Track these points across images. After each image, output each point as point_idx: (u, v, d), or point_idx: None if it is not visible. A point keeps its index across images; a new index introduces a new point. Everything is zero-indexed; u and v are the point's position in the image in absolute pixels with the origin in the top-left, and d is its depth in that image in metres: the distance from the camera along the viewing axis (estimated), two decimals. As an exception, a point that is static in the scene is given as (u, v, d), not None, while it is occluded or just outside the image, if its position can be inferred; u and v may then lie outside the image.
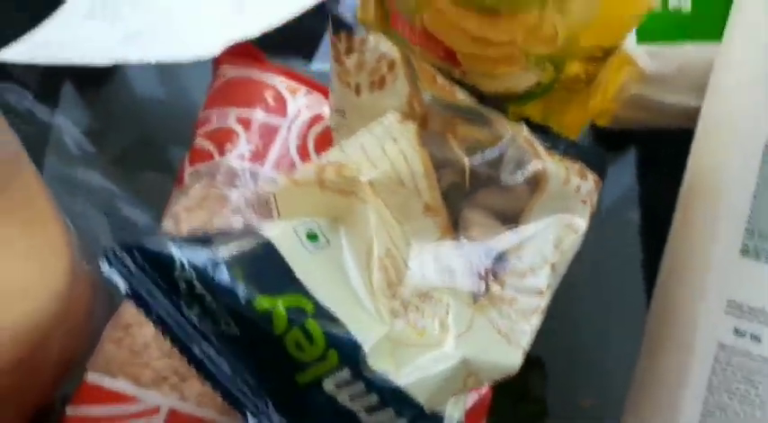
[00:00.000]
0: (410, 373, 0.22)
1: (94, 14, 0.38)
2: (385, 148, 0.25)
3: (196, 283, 0.22)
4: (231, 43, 0.32)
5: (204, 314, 0.22)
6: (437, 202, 0.26)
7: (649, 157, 0.40)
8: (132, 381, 0.28)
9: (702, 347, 0.30)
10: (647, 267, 0.39)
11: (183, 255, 0.22)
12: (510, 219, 0.28)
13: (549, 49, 0.27)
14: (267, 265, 0.23)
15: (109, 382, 0.28)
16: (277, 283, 0.23)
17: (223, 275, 0.22)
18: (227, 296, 0.22)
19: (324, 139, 0.33)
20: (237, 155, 0.32)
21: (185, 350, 0.22)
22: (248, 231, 0.24)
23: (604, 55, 0.29)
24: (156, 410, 0.28)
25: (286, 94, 0.34)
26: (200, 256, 0.23)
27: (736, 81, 0.32)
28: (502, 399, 0.31)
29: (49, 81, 0.40)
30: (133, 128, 0.41)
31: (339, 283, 0.24)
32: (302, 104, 0.33)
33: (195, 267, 0.22)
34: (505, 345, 0.25)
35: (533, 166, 0.27)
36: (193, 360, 0.22)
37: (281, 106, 0.33)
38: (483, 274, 0.27)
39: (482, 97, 0.30)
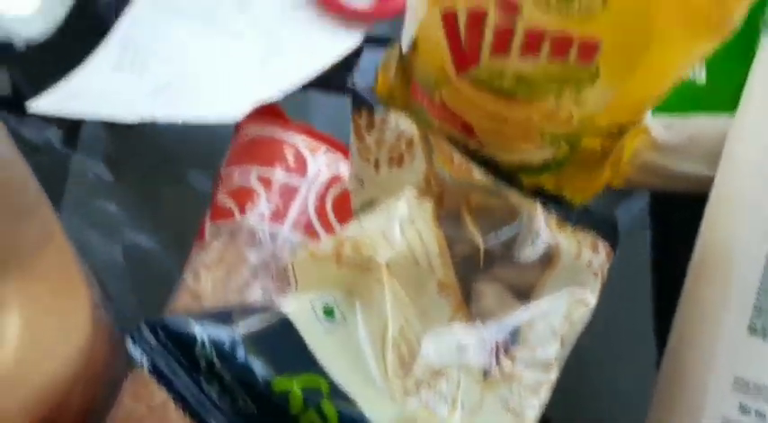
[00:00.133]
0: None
1: (123, 66, 0.39)
2: (402, 228, 0.25)
3: (216, 361, 0.23)
4: (254, 105, 0.33)
5: (223, 391, 0.23)
6: (451, 280, 0.27)
7: (662, 219, 0.41)
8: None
9: (709, 420, 0.30)
10: (660, 322, 0.39)
11: (204, 333, 0.23)
12: (522, 292, 0.29)
13: (565, 130, 0.28)
14: (284, 343, 0.24)
15: (128, 438, 0.29)
16: (294, 361, 0.24)
17: (242, 355, 0.23)
18: (246, 376, 0.23)
19: (342, 200, 0.33)
20: (258, 215, 0.33)
21: (204, 425, 0.23)
22: (267, 306, 0.25)
23: (620, 132, 0.30)
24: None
25: (306, 154, 0.34)
26: (220, 334, 0.23)
27: (748, 155, 0.32)
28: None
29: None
30: (153, 154, 0.41)
31: (354, 361, 0.24)
32: (322, 163, 0.34)
33: (216, 346, 0.23)
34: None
35: (546, 243, 0.28)
36: (212, 434, 0.23)
37: (301, 166, 0.34)
38: (494, 349, 0.27)
39: (497, 167, 0.30)
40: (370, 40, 0.42)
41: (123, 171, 0.42)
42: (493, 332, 0.27)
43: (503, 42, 0.24)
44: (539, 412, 0.27)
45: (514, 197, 0.28)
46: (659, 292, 0.39)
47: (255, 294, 0.30)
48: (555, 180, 0.32)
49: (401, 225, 0.26)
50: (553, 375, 0.28)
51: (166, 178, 0.41)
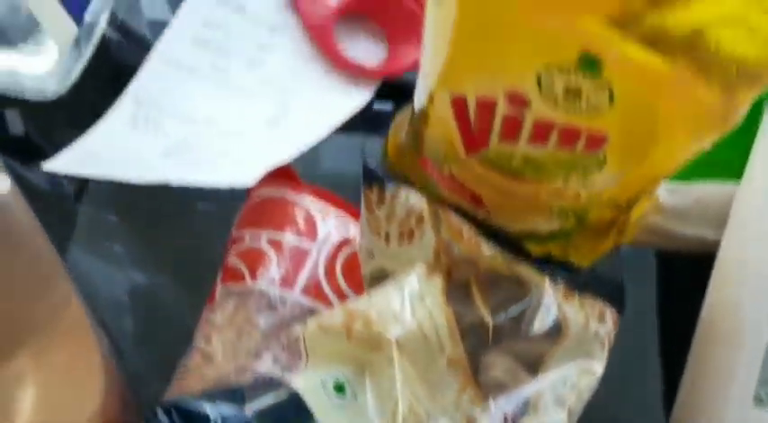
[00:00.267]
0: None
1: (136, 125, 0.39)
2: (413, 306, 0.26)
3: (229, 441, 0.23)
4: (266, 170, 0.34)
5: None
6: (460, 356, 0.27)
7: (670, 277, 0.41)
8: None
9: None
10: (667, 387, 0.40)
11: (217, 412, 0.24)
12: (530, 363, 0.29)
13: (573, 205, 0.29)
14: (296, 420, 0.25)
15: None
16: (304, 441, 0.24)
17: (253, 434, 0.23)
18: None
19: (352, 263, 0.34)
20: (268, 279, 0.33)
21: None
22: (278, 382, 0.26)
23: (629, 205, 0.30)
24: None
25: (317, 217, 0.35)
26: (233, 413, 0.24)
27: (755, 222, 0.33)
28: None
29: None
30: (161, 194, 0.41)
31: (364, 440, 0.25)
32: (332, 227, 0.35)
33: (227, 424, 0.23)
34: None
35: (555, 316, 0.28)
36: None
37: (311, 229, 0.35)
38: (504, 421, 0.28)
39: (505, 234, 0.31)
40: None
41: (130, 211, 0.42)
42: (503, 404, 0.27)
43: (511, 130, 0.24)
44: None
45: (523, 270, 0.29)
46: (666, 353, 0.39)
47: (267, 361, 0.31)
48: (561, 246, 0.33)
49: (411, 303, 0.26)
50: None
51: (173, 219, 0.41)
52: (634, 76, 0.21)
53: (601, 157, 0.24)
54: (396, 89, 0.43)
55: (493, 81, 0.24)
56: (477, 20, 0.23)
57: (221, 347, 0.33)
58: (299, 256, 0.34)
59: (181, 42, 0.42)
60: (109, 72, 0.43)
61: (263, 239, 0.34)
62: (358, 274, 0.33)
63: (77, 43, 0.41)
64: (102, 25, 0.43)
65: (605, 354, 0.30)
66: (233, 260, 0.35)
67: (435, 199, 0.30)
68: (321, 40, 0.43)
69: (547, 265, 0.31)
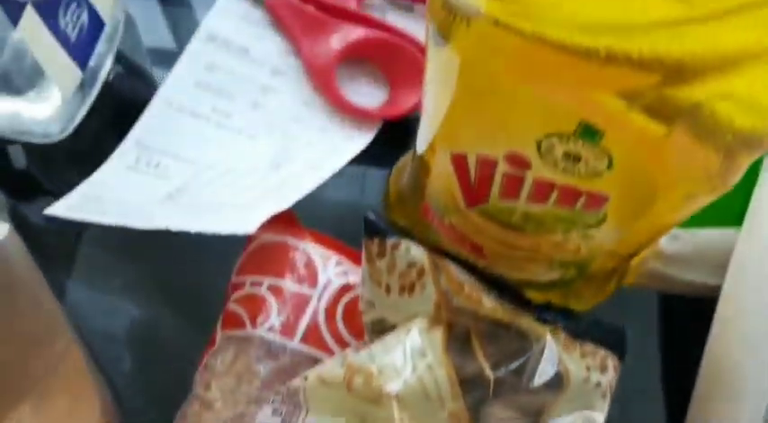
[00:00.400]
0: None
1: (139, 169, 0.39)
2: (414, 362, 0.26)
3: None
4: (267, 217, 0.34)
5: None
6: (460, 410, 0.27)
7: (672, 316, 0.41)
8: None
9: None
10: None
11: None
12: (531, 415, 0.29)
13: (573, 259, 0.29)
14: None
15: None
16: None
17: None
18: None
19: (352, 309, 0.34)
20: (268, 327, 0.33)
21: None
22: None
23: (629, 257, 0.30)
24: None
25: (318, 262, 0.35)
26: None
27: (756, 269, 0.33)
28: None
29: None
30: (163, 232, 0.41)
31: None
32: (332, 273, 0.35)
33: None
34: None
35: (556, 368, 0.28)
36: None
37: (312, 275, 0.34)
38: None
39: (505, 282, 0.31)
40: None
41: (130, 248, 0.42)
42: (503, 457, 0.27)
43: (512, 188, 0.24)
44: None
45: (524, 323, 0.29)
46: (669, 395, 0.39)
47: (267, 413, 0.30)
48: (562, 294, 0.33)
49: (413, 357, 0.26)
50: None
51: (174, 255, 0.41)
52: (633, 142, 0.21)
53: (601, 216, 0.24)
54: (397, 128, 0.44)
55: (493, 143, 0.24)
56: (477, 87, 0.23)
57: (220, 395, 0.33)
58: (299, 303, 0.34)
59: (184, 86, 0.43)
60: (112, 113, 0.44)
61: (263, 286, 0.34)
62: (359, 321, 0.33)
63: (81, 87, 0.41)
64: (105, 69, 0.43)
65: (606, 405, 0.30)
66: (233, 306, 0.35)
67: (436, 247, 0.30)
68: (323, 83, 0.43)
69: (547, 311, 0.31)
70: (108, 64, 0.43)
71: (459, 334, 0.28)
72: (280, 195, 0.36)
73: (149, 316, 0.41)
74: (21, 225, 0.40)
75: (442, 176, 0.28)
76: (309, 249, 0.35)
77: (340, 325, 0.34)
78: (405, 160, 0.37)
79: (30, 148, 0.44)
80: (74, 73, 0.40)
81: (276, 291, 0.34)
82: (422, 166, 0.30)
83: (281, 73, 0.44)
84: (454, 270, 0.28)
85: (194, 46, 0.44)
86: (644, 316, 0.41)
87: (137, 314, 0.41)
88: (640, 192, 0.23)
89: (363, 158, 0.42)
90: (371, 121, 0.43)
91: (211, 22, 0.45)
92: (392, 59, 0.44)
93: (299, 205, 0.37)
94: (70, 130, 0.41)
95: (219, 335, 0.34)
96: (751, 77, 0.19)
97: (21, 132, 0.40)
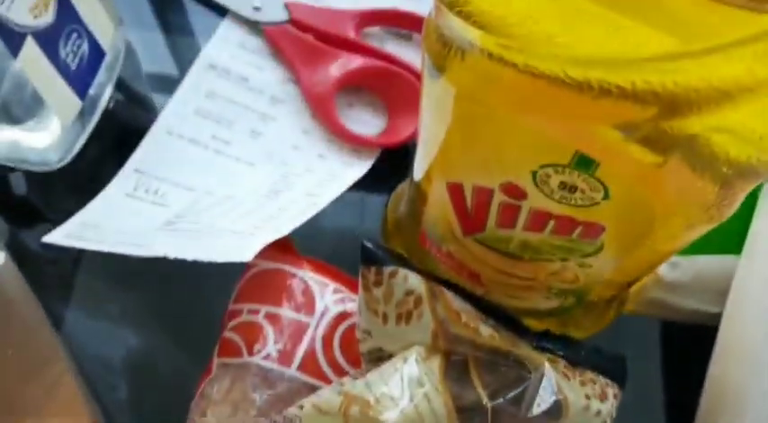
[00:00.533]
0: None
1: (137, 196, 0.40)
2: (411, 392, 0.26)
3: None
4: (264, 244, 0.34)
5: None
6: (458, 440, 0.27)
7: (673, 343, 0.40)
8: None
9: None
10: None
11: None
12: (530, 444, 0.28)
13: (571, 287, 0.28)
14: None
15: None
16: None
17: None
18: None
19: (349, 337, 0.34)
20: (265, 355, 0.33)
21: None
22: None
23: (628, 285, 0.30)
24: None
25: (315, 290, 0.35)
26: None
27: (756, 297, 0.32)
28: None
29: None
30: (161, 259, 0.41)
31: None
32: (330, 301, 0.35)
33: None
34: None
35: (554, 397, 0.28)
36: None
37: (309, 303, 0.34)
38: None
39: (503, 312, 0.31)
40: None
41: (128, 275, 0.42)
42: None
43: (508, 217, 0.24)
44: None
45: (522, 352, 0.28)
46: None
47: (262, 442, 0.30)
48: (561, 322, 0.32)
49: (410, 387, 0.26)
50: None
51: (172, 282, 0.41)
52: (629, 173, 0.21)
53: (598, 245, 0.24)
54: (395, 156, 0.44)
55: (488, 173, 0.24)
56: (472, 118, 0.23)
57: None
58: (296, 331, 0.34)
59: (183, 113, 0.43)
60: (112, 141, 0.44)
61: (260, 314, 0.34)
62: (355, 349, 0.33)
63: (81, 116, 0.41)
64: (105, 98, 0.43)
65: (607, 434, 0.30)
66: (230, 334, 0.34)
67: (433, 275, 0.30)
68: (322, 111, 0.43)
69: (546, 339, 0.31)
70: (108, 92, 0.44)
71: (457, 363, 0.27)
72: (278, 223, 0.36)
73: (146, 344, 0.41)
74: (19, 252, 0.40)
75: (438, 205, 0.28)
76: (307, 277, 0.35)
77: (337, 353, 0.34)
78: (402, 188, 0.37)
79: (30, 178, 0.44)
80: (73, 102, 0.40)
81: (273, 318, 0.34)
82: (419, 195, 0.30)
83: (281, 101, 0.45)
84: (451, 299, 0.28)
85: (194, 74, 0.44)
86: (644, 344, 0.41)
87: (134, 342, 0.41)
88: (637, 222, 0.23)
89: (362, 186, 0.42)
90: (370, 148, 0.43)
91: (211, 51, 0.45)
92: (391, 87, 0.44)
93: (297, 233, 0.37)
94: (69, 158, 0.41)
95: (216, 363, 0.34)
96: (746, 110, 0.19)
97: (20, 161, 0.41)
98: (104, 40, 0.42)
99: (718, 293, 0.35)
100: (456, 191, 0.25)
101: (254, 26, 0.46)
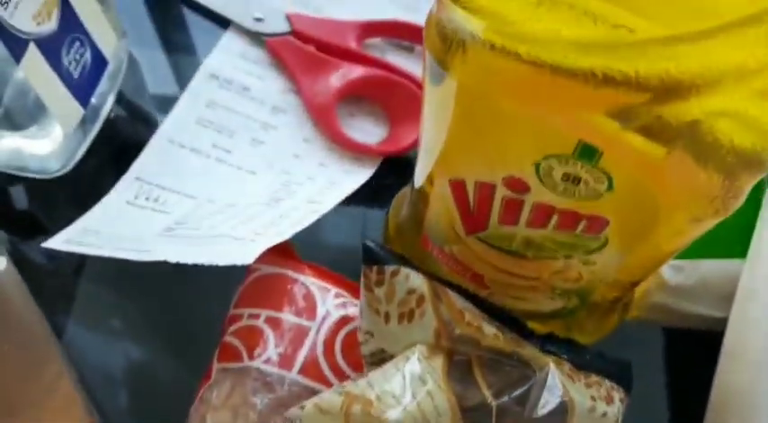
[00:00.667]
0: None
1: (138, 203, 0.39)
2: (413, 390, 0.25)
3: None
4: (266, 247, 0.34)
5: None
6: (462, 440, 0.26)
7: (677, 352, 0.40)
8: None
9: None
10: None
11: None
12: (535, 447, 0.28)
13: (575, 287, 0.28)
14: None
15: None
16: None
17: None
18: None
19: (351, 340, 0.33)
20: (265, 359, 0.32)
21: None
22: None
23: (632, 285, 0.30)
24: None
25: (316, 295, 0.35)
26: None
27: (760, 304, 0.32)
28: None
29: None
30: (162, 272, 0.41)
31: None
32: (331, 305, 0.34)
33: None
34: None
35: (559, 398, 0.27)
36: None
37: (310, 307, 0.34)
38: None
39: (507, 314, 0.30)
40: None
41: (129, 287, 0.42)
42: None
43: (511, 213, 0.24)
44: None
45: (526, 351, 0.28)
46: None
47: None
48: (565, 325, 0.32)
49: (412, 385, 0.25)
50: None
51: (173, 295, 0.41)
52: (632, 163, 0.21)
53: (602, 240, 0.24)
54: (396, 164, 0.44)
55: (491, 168, 0.24)
56: (474, 112, 0.23)
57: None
58: (298, 335, 0.33)
59: (185, 122, 0.43)
60: (113, 150, 0.44)
61: (261, 318, 0.34)
62: (357, 353, 0.32)
63: (83, 124, 0.41)
64: (107, 107, 0.43)
65: (613, 437, 0.29)
66: (230, 339, 0.34)
67: (436, 277, 0.29)
68: (323, 120, 0.43)
69: (550, 342, 0.30)
70: (110, 102, 0.44)
71: (460, 363, 0.27)
72: (279, 228, 0.36)
73: (147, 352, 0.41)
74: (21, 265, 0.40)
75: (441, 204, 0.28)
76: (308, 282, 0.35)
77: (339, 357, 0.33)
78: (403, 193, 0.37)
79: (31, 188, 0.44)
80: (75, 110, 0.40)
81: (274, 323, 0.34)
82: (420, 198, 0.30)
83: (282, 111, 0.45)
84: (454, 298, 0.28)
85: (196, 84, 0.44)
86: (648, 352, 0.41)
87: (134, 350, 0.41)
88: (641, 215, 0.23)
89: (363, 196, 0.42)
90: (372, 157, 0.43)
91: (213, 61, 0.46)
92: (392, 97, 0.44)
93: (299, 242, 0.37)
94: (70, 166, 0.41)
95: (216, 368, 0.34)
96: (747, 94, 0.19)
97: (20, 168, 0.41)
98: (107, 50, 0.42)
99: (722, 298, 0.34)
100: (458, 188, 0.25)
101: (255, 37, 0.47)
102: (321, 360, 0.33)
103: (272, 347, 0.33)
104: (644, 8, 0.20)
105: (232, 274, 0.37)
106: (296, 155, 0.43)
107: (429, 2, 0.25)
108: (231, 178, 0.42)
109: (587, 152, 0.21)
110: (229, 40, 0.47)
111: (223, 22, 0.48)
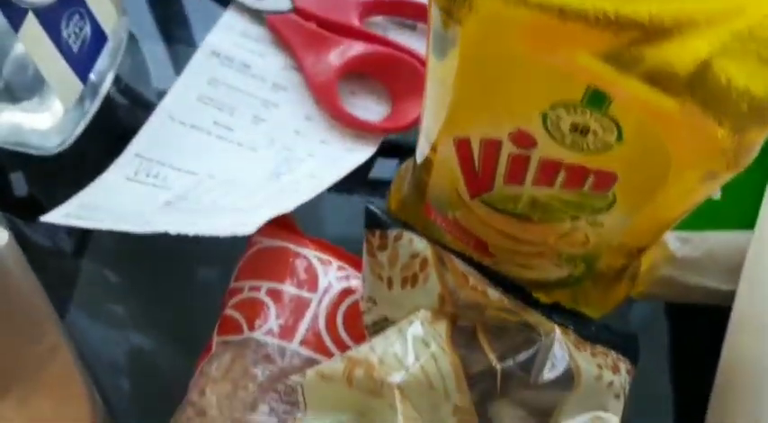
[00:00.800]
0: None
1: (138, 178, 0.39)
2: (417, 352, 0.25)
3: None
4: (267, 218, 0.33)
5: None
6: (466, 404, 0.26)
7: (683, 331, 0.40)
8: None
9: None
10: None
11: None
12: (541, 413, 0.27)
13: (581, 251, 0.28)
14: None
15: None
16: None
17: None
18: None
19: (353, 314, 0.33)
20: (266, 330, 0.32)
21: None
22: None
23: (639, 252, 0.29)
24: None
25: (318, 267, 0.34)
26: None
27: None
28: None
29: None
30: (163, 252, 0.40)
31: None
32: (333, 278, 0.34)
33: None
34: None
35: (565, 364, 0.27)
36: None
37: (312, 279, 0.34)
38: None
39: (511, 282, 0.30)
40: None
41: (130, 270, 0.41)
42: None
43: (517, 171, 0.24)
44: None
45: (531, 317, 0.28)
46: (683, 405, 0.38)
47: (263, 412, 0.29)
48: (571, 295, 0.32)
49: (415, 348, 0.25)
50: None
51: (174, 278, 0.41)
52: (642, 113, 0.20)
53: (610, 197, 0.24)
54: (398, 148, 0.43)
55: (498, 122, 0.23)
56: (479, 63, 0.22)
57: (215, 401, 0.32)
58: (298, 308, 0.33)
59: (185, 99, 0.43)
60: (112, 130, 0.43)
61: (262, 290, 0.33)
62: (359, 326, 0.32)
63: (81, 101, 0.41)
64: (107, 84, 0.43)
65: (620, 407, 0.29)
66: (230, 312, 0.34)
67: (440, 243, 0.29)
68: (325, 97, 0.43)
69: (556, 312, 0.30)
70: (109, 80, 0.43)
71: (464, 329, 0.27)
72: (279, 200, 0.35)
73: (148, 336, 0.41)
74: (21, 247, 0.39)
75: (445, 169, 0.27)
76: (310, 255, 0.35)
77: (341, 329, 0.33)
78: (406, 166, 0.37)
79: (30, 171, 0.44)
80: (74, 84, 0.39)
81: (275, 295, 0.33)
82: (424, 164, 0.30)
83: (283, 88, 0.44)
84: (458, 263, 0.27)
85: (196, 61, 0.44)
86: (654, 329, 0.40)
87: (136, 338, 0.41)
88: (650, 170, 0.22)
89: (366, 175, 0.41)
90: (373, 134, 0.42)
91: (214, 39, 0.45)
92: (394, 74, 0.44)
93: (300, 219, 0.36)
94: (69, 142, 0.41)
95: (215, 341, 0.33)
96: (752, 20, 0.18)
97: (21, 143, 0.40)
98: (107, 26, 0.42)
99: (729, 270, 0.34)
100: (463, 147, 0.25)
101: (256, 15, 0.46)
102: (323, 331, 0.33)
103: (273, 319, 0.33)
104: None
105: (234, 254, 0.36)
106: (297, 132, 0.42)
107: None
108: (232, 155, 0.41)
109: (596, 99, 0.20)
110: (230, 17, 0.46)
111: (224, 0, 0.47)
